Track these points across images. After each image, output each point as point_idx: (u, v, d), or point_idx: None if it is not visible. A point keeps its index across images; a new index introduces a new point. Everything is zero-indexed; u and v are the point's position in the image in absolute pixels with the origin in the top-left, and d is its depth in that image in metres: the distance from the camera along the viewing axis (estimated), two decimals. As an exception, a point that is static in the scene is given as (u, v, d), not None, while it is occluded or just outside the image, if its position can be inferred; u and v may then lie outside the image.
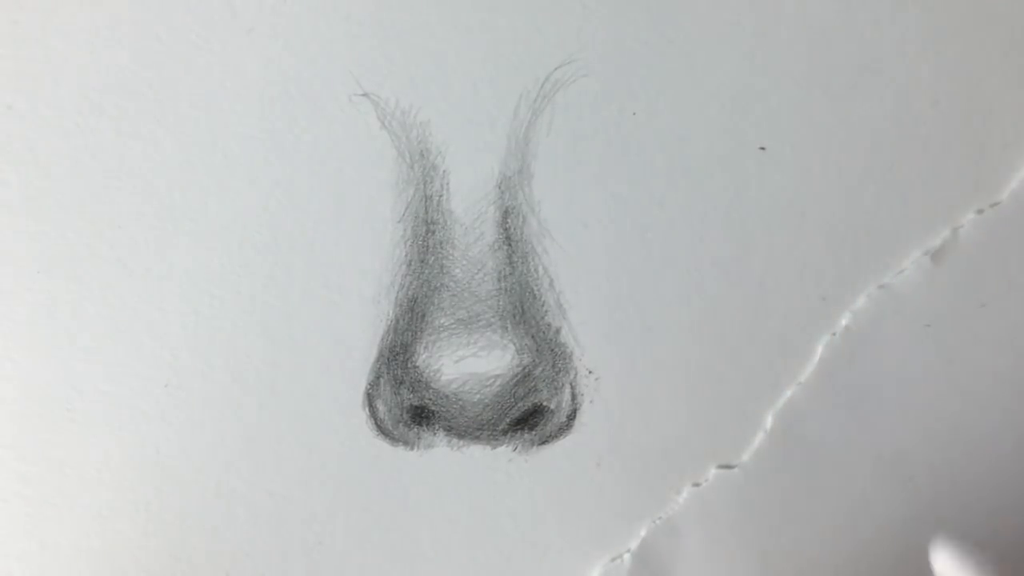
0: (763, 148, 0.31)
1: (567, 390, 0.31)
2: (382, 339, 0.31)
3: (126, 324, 0.30)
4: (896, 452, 0.32)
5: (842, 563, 0.32)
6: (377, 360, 0.31)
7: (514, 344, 0.31)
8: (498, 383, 0.31)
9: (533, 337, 0.31)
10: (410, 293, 0.31)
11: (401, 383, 0.31)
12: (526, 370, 0.31)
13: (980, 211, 0.31)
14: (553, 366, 0.31)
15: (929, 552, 0.29)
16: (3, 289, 0.30)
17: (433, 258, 0.31)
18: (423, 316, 0.31)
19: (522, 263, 0.31)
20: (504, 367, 0.31)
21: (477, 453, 0.31)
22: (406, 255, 0.31)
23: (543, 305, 0.31)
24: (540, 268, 0.31)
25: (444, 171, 0.31)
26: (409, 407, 0.31)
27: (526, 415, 0.31)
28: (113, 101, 0.30)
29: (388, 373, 0.31)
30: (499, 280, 0.31)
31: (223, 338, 0.30)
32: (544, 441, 0.31)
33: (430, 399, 0.31)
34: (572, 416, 0.31)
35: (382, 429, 0.31)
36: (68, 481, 0.30)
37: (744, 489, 0.32)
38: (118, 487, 0.30)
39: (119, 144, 0.30)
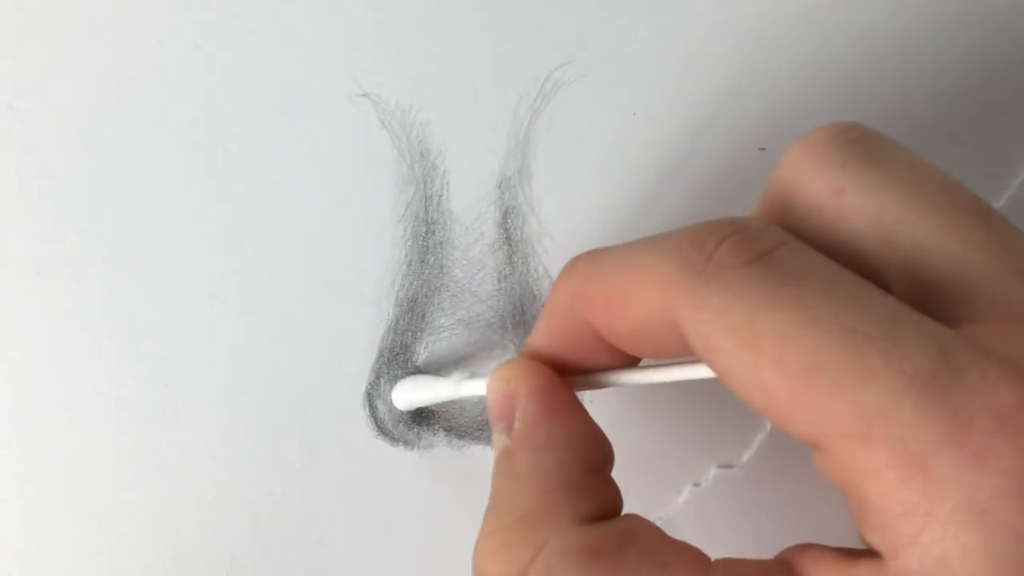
0: (763, 148, 0.31)
1: (567, 390, 0.31)
2: (382, 339, 0.31)
3: (126, 324, 0.30)
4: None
5: (842, 563, 0.32)
6: (377, 360, 0.31)
7: (514, 344, 0.31)
8: (498, 383, 0.31)
9: (533, 337, 0.31)
10: (410, 293, 0.31)
11: (401, 383, 0.31)
12: (526, 370, 0.31)
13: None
14: (553, 366, 0.31)
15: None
16: (3, 289, 0.30)
17: (433, 258, 0.31)
18: (423, 316, 0.31)
19: (522, 263, 0.31)
20: (504, 367, 0.31)
21: (477, 453, 0.31)
22: (406, 255, 0.31)
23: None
24: (540, 268, 0.31)
25: (444, 171, 0.31)
26: (409, 407, 0.31)
27: (526, 415, 0.31)
28: (113, 101, 0.30)
29: (388, 373, 0.31)
30: (499, 280, 0.31)
31: (223, 338, 0.30)
32: (544, 441, 0.31)
33: (430, 399, 0.31)
34: (572, 416, 0.31)
35: (382, 429, 0.31)
36: (68, 481, 0.30)
37: (744, 489, 0.32)
38: (118, 487, 0.30)
39: (119, 144, 0.30)
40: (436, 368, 0.31)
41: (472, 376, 0.27)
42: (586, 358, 0.23)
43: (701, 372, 0.22)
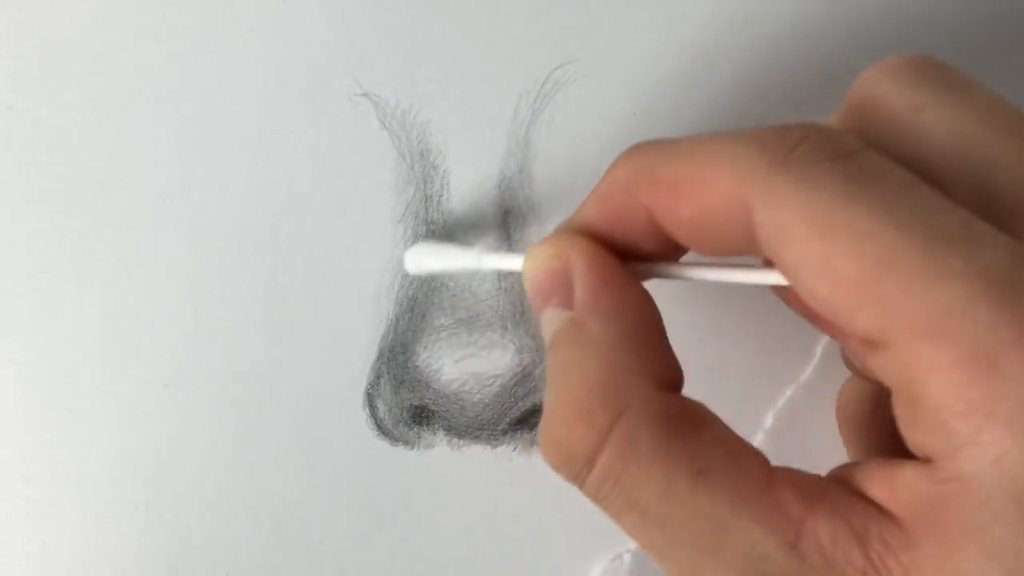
0: (763, 148, 0.31)
1: (567, 390, 0.31)
2: (382, 339, 0.31)
3: (126, 324, 0.30)
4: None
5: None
6: (377, 360, 0.31)
7: (514, 344, 0.31)
8: (498, 383, 0.31)
9: (533, 337, 0.31)
10: (410, 293, 0.31)
11: (401, 383, 0.31)
12: (526, 370, 0.31)
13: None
14: (553, 366, 0.31)
15: None
16: (3, 289, 0.30)
17: (433, 258, 0.31)
18: (423, 316, 0.31)
19: (522, 263, 0.31)
20: (504, 367, 0.31)
21: (477, 453, 0.31)
22: (406, 255, 0.31)
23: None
24: (540, 268, 0.31)
25: (444, 171, 0.31)
26: (409, 407, 0.31)
27: (526, 415, 0.31)
28: (113, 101, 0.30)
29: (388, 373, 0.31)
30: (499, 280, 0.31)
31: (223, 338, 0.30)
32: (544, 441, 0.31)
33: (430, 399, 0.31)
34: (572, 416, 0.31)
35: (382, 429, 0.31)
36: (68, 481, 0.30)
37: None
38: (118, 487, 0.30)
39: (119, 144, 0.30)
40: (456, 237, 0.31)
41: (497, 249, 0.26)
42: (630, 244, 0.22)
43: (750, 277, 0.22)
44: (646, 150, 0.22)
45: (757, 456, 0.20)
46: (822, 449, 0.32)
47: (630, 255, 0.23)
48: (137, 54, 0.30)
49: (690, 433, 0.20)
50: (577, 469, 0.20)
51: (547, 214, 0.31)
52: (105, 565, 0.30)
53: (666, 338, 0.22)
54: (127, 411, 0.30)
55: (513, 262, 0.24)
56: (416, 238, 0.31)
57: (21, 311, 0.30)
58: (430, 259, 0.28)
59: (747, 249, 0.20)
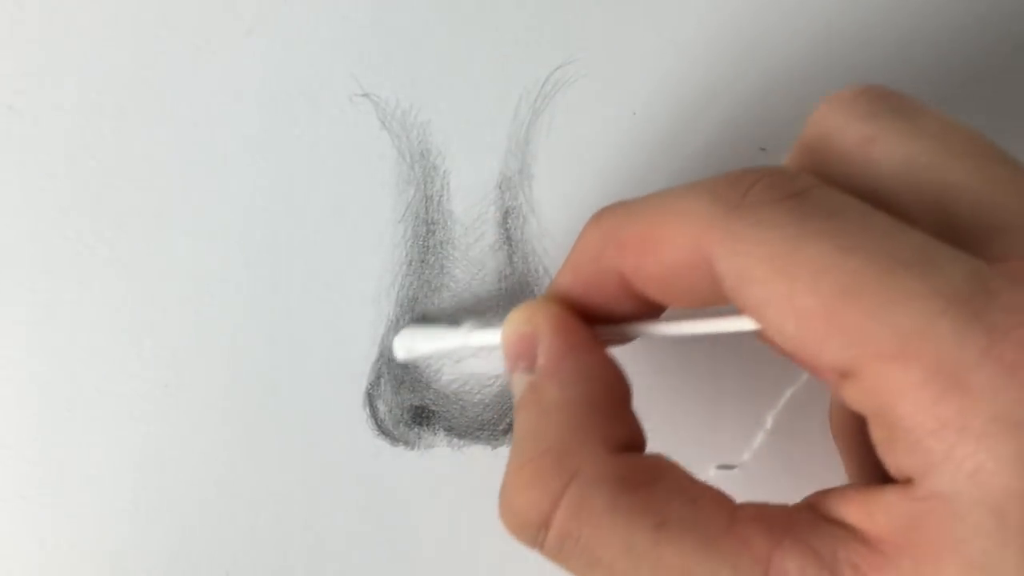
0: (763, 149, 0.31)
1: (567, 390, 0.31)
2: (382, 339, 0.31)
3: (126, 324, 0.30)
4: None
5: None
6: (377, 360, 0.31)
7: (514, 344, 0.31)
8: (498, 383, 0.31)
9: (533, 337, 0.31)
10: (410, 293, 0.31)
11: (402, 383, 0.31)
12: (526, 370, 0.31)
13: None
14: (553, 366, 0.31)
15: None
16: (3, 289, 0.30)
17: (433, 258, 0.31)
18: (423, 316, 0.31)
19: (522, 263, 0.31)
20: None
21: (477, 453, 0.31)
22: (406, 255, 0.31)
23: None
24: (540, 268, 0.31)
25: (444, 171, 0.31)
26: (409, 407, 0.31)
27: (526, 415, 0.31)
28: (113, 101, 0.30)
29: (388, 373, 0.31)
30: (499, 280, 0.31)
31: (223, 338, 0.30)
32: (544, 441, 0.31)
33: (430, 399, 0.31)
34: (572, 416, 0.31)
35: (382, 429, 0.31)
36: (68, 481, 0.30)
37: (744, 489, 0.32)
38: (118, 487, 0.30)
39: (119, 144, 0.30)
40: (440, 319, 0.31)
41: (484, 326, 0.27)
42: (609, 308, 0.23)
43: (724, 325, 0.22)
44: (611, 213, 0.22)
45: (718, 497, 0.20)
46: (822, 449, 0.32)
47: (609, 319, 0.23)
48: (137, 54, 0.30)
49: (645, 487, 0.20)
50: (533, 533, 0.20)
51: (547, 214, 0.31)
52: (105, 565, 0.30)
53: (629, 402, 0.23)
54: (127, 411, 0.30)
55: (498, 336, 0.24)
56: (417, 238, 0.31)
57: (21, 311, 0.30)
58: (419, 343, 0.29)
59: (716, 298, 0.20)
